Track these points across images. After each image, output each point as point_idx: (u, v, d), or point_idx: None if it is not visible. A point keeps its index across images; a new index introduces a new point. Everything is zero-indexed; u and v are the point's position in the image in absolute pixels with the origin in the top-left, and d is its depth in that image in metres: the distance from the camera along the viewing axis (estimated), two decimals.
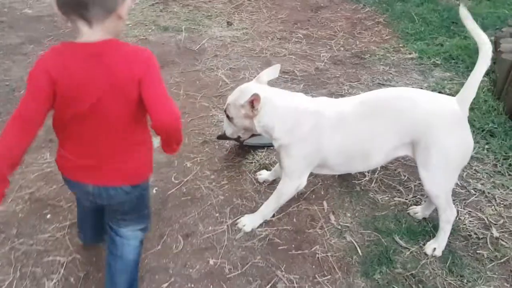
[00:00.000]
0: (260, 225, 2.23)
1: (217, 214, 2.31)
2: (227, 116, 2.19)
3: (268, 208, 2.22)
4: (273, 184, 2.48)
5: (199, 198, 2.41)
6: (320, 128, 2.00)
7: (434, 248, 2.07)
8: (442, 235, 2.06)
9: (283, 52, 4.11)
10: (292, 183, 2.11)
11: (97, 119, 1.41)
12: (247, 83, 2.23)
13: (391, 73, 3.76)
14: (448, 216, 2.02)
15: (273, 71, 2.23)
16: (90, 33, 1.34)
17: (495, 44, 3.49)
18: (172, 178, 2.54)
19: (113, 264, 1.72)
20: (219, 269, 2.02)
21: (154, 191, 2.45)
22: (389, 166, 2.64)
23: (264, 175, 2.53)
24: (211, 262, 2.06)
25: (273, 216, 2.28)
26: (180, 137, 1.50)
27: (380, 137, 2.00)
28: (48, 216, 2.27)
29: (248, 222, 2.22)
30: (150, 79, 1.37)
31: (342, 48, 4.22)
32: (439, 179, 1.95)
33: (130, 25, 4.56)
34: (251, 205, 2.37)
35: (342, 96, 3.38)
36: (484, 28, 4.32)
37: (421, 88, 3.51)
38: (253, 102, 2.00)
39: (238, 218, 2.26)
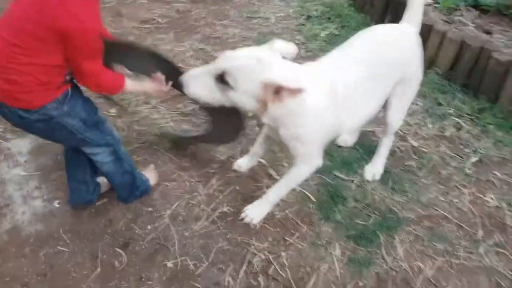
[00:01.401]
0: (206, 203, 1.99)
1: (149, 209, 1.98)
2: (222, 81, 1.52)
3: (278, 195, 1.91)
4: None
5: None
6: (335, 108, 1.69)
7: (374, 174, 2.15)
8: (382, 159, 2.13)
9: None
10: (309, 167, 1.83)
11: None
12: (264, 51, 1.55)
13: (254, 4, 3.62)
14: (390, 142, 2.08)
15: (290, 48, 1.59)
16: None
17: None
18: None
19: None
20: (182, 269, 1.76)
21: (57, 204, 1.96)
22: None
23: (243, 163, 2.14)
24: (170, 264, 1.78)
25: (217, 191, 2.05)
26: (99, 90, 1.68)
27: (384, 87, 1.88)
28: None
29: (256, 214, 1.90)
30: (75, 42, 1.42)
31: None
32: (405, 108, 2.00)
33: None
34: (182, 185, 2.08)
35: (219, 39, 3.12)
36: None
37: (288, 15, 3.48)
38: (285, 91, 1.46)
39: (177, 204, 1.97)
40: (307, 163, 1.81)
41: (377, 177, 2.15)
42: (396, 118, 2.02)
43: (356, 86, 1.73)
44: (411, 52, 1.91)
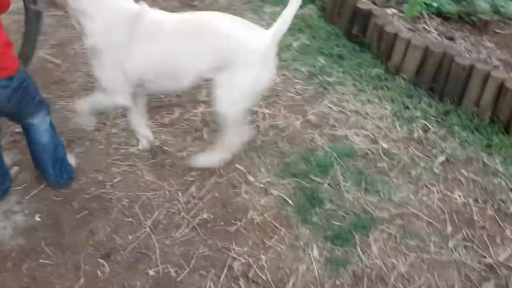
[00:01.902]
0: (186, 210, 2.04)
1: (129, 219, 2.01)
2: None
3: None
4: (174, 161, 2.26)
5: (99, 209, 2.04)
6: (135, 35, 1.89)
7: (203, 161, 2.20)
8: (216, 152, 2.17)
9: None
10: (106, 99, 2.04)
11: None
12: None
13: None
14: (230, 140, 2.11)
15: None
16: None
17: None
18: (52, 196, 2.07)
19: (32, 149, 1.98)
20: (164, 276, 1.81)
21: (38, 218, 1.97)
22: (274, 110, 2.67)
23: (143, 140, 2.31)
24: (151, 272, 1.82)
25: (197, 198, 2.10)
26: None
27: (195, 57, 1.96)
28: None
29: None
30: None
31: None
32: (232, 100, 1.99)
33: None
34: (162, 194, 2.12)
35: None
36: None
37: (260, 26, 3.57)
38: None
39: (157, 212, 2.02)
40: (109, 93, 2.00)
41: (207, 163, 2.20)
42: (219, 107, 2.01)
43: (165, 32, 1.92)
44: (240, 46, 1.92)
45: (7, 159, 2.09)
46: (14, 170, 2.12)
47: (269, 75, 2.04)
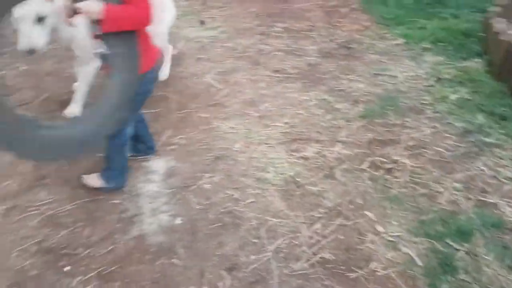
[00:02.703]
0: (309, 245, 2.06)
1: (255, 240, 2.11)
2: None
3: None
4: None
5: (231, 224, 2.19)
6: None
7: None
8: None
9: (268, 49, 3.91)
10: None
11: None
12: None
13: (384, 62, 3.67)
14: None
15: None
16: None
17: (486, 26, 3.49)
18: (194, 204, 2.30)
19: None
20: None
21: (179, 221, 2.20)
22: (417, 163, 2.55)
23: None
24: None
25: (320, 236, 2.11)
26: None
27: None
28: (67, 268, 1.96)
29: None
30: None
31: (326, 40, 4.08)
32: None
33: None
34: (288, 223, 2.18)
35: (343, 92, 3.25)
36: (460, 8, 4.42)
37: (417, 75, 3.47)
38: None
39: (281, 240, 2.08)
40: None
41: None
42: None
43: None
44: None
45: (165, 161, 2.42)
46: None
47: None
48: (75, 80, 2.92)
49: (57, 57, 3.61)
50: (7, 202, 2.28)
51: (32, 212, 2.23)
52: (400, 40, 3.99)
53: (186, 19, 4.49)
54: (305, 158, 2.59)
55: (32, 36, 2.20)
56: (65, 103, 2.92)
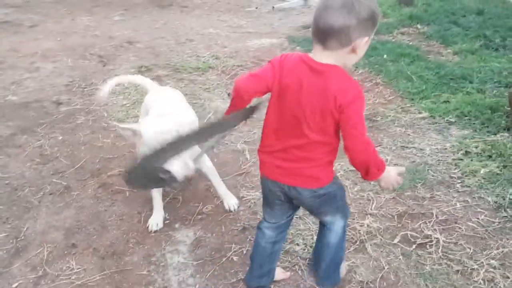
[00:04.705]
0: None
1: None
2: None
3: None
4: None
5: None
6: None
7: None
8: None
9: None
10: None
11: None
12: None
13: (409, 134, 3.70)
14: None
15: None
16: (321, 55, 1.56)
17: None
18: (223, 279, 2.26)
19: (318, 242, 2.08)
20: None
21: None
22: (450, 238, 2.47)
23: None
24: None
25: None
26: (368, 168, 1.67)
27: None
28: None
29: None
30: (351, 111, 1.54)
31: None
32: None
33: (129, 105, 4.38)
34: None
35: None
36: (485, 83, 4.50)
37: (444, 148, 3.47)
38: None
39: None
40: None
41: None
42: None
43: None
44: None
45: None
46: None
47: None
48: (107, 151, 3.01)
49: (90, 128, 3.79)
50: (38, 271, 2.30)
51: (63, 281, 2.23)
52: (425, 114, 4.04)
53: (215, 91, 4.70)
54: None
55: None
56: (97, 172, 3.01)
